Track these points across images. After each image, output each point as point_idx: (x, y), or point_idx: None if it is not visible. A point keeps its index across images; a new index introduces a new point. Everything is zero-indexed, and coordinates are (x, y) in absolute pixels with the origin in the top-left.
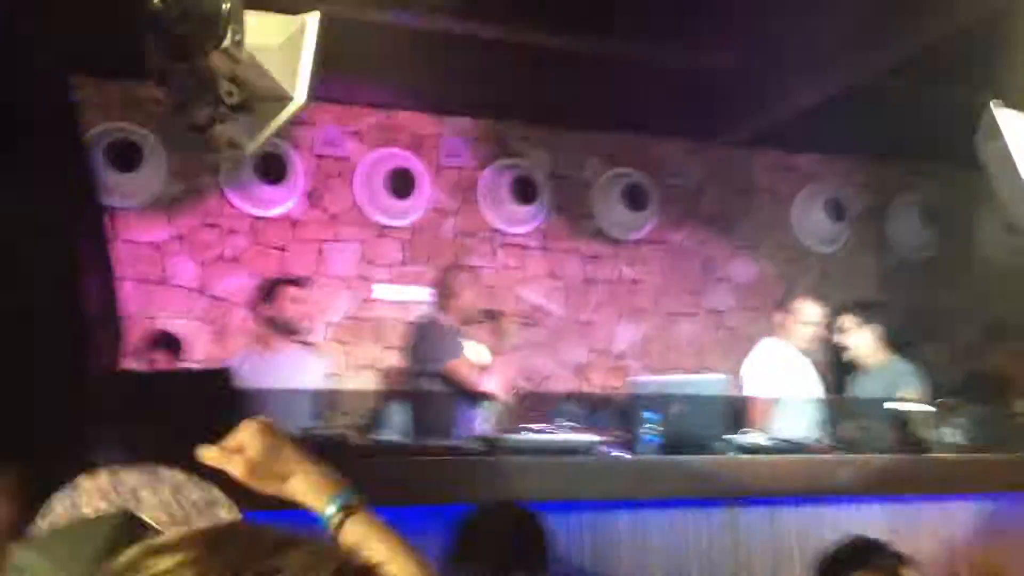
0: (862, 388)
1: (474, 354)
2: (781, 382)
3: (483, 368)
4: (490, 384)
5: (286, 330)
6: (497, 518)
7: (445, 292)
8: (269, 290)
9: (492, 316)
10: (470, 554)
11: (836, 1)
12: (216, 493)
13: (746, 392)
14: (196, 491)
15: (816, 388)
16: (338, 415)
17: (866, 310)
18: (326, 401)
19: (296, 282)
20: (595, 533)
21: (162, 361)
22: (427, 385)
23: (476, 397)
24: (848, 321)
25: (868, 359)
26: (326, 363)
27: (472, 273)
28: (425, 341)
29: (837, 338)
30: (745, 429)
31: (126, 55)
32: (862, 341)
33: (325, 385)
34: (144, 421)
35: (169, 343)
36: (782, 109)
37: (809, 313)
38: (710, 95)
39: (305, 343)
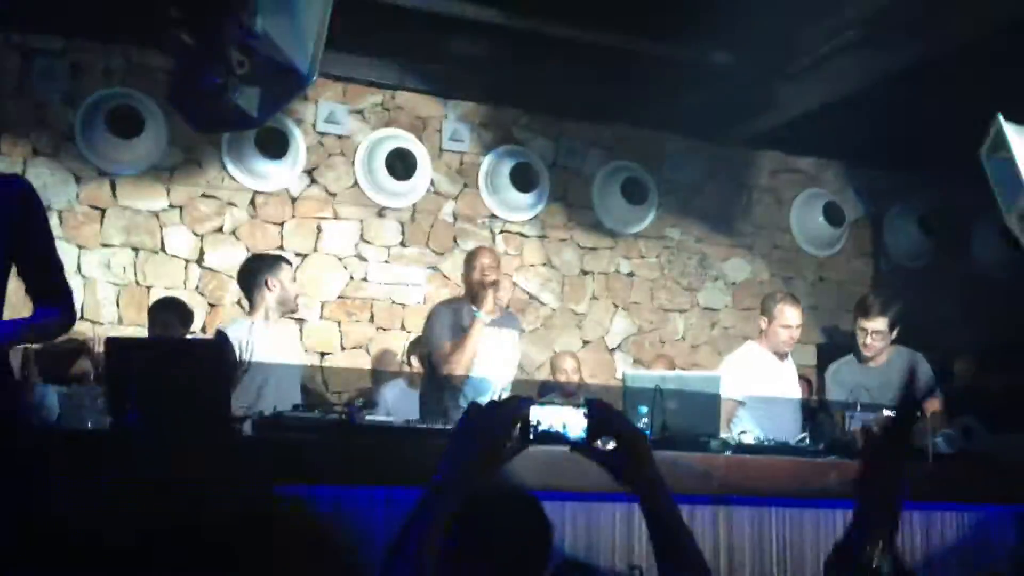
0: (869, 382)
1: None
2: (758, 385)
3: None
4: (481, 369)
5: (287, 307)
6: (500, 510)
7: (465, 269)
8: (272, 263)
9: (485, 286)
10: (474, 549)
11: (840, 5)
12: None
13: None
14: None
15: (795, 391)
16: (331, 394)
17: (886, 305)
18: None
19: (288, 260)
20: (582, 524)
21: (170, 327)
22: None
23: (440, 381)
24: (877, 322)
25: (881, 354)
26: None
27: (489, 252)
28: (432, 320)
29: (864, 327)
30: (743, 430)
31: (132, 19)
32: (881, 341)
33: (319, 363)
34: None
35: (178, 310)
36: (785, 111)
37: (789, 316)
38: (714, 93)
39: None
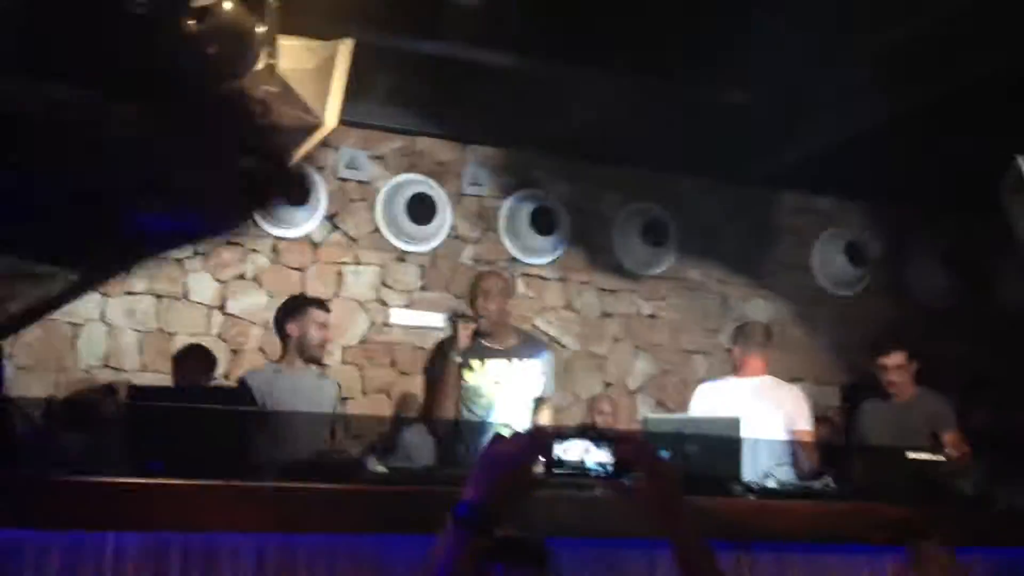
0: (889, 422)
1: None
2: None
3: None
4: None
5: (307, 353)
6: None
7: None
8: (295, 308)
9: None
10: None
11: (857, 43)
12: None
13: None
14: None
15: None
16: (350, 439)
17: (908, 346)
18: (339, 425)
19: (322, 305)
20: (604, 569)
21: (194, 375)
22: None
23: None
24: (894, 357)
25: (904, 394)
26: (336, 389)
27: (501, 280)
28: (433, 357)
29: (884, 363)
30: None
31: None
32: (902, 376)
33: (339, 409)
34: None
35: (201, 357)
36: (803, 149)
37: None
38: (732, 132)
39: (321, 366)
